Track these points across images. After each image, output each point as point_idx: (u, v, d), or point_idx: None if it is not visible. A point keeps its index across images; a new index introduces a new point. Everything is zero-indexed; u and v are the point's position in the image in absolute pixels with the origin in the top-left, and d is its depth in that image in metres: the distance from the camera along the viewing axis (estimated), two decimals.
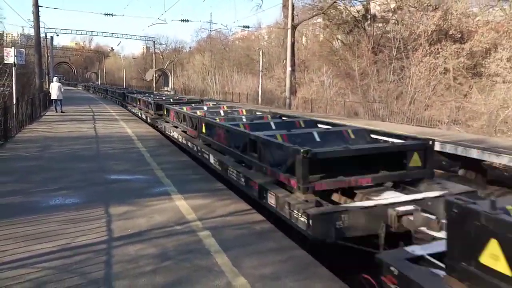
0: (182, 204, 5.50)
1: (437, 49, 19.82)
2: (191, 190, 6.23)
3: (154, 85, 57.03)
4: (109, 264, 3.69)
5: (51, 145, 10.27)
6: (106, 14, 33.50)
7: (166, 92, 44.64)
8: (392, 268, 2.78)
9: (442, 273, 2.57)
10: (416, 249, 3.03)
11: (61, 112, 19.57)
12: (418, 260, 2.88)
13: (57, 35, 50.16)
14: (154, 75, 58.50)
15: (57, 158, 8.72)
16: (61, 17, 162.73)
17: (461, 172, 11.29)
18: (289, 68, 26.23)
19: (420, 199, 4.22)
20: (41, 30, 29.02)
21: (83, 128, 13.75)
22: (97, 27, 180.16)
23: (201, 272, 3.55)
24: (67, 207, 5.38)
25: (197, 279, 3.43)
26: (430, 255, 2.85)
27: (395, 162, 4.95)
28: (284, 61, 29.87)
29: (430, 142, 5.10)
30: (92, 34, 59.34)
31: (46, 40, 45.92)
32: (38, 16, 24.01)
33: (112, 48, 74.21)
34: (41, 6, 24.41)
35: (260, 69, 32.14)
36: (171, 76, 57.60)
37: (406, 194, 4.63)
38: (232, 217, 5.00)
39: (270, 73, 35.96)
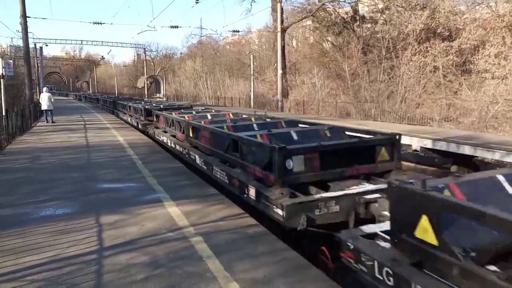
0: (174, 211, 5.46)
1: (426, 48, 19.94)
2: (184, 196, 6.19)
3: (146, 92, 56.91)
4: (100, 274, 3.65)
5: (42, 156, 10.18)
6: (95, 23, 33.26)
7: (158, 99, 44.54)
8: (348, 244, 3.06)
9: (388, 245, 2.86)
10: (371, 228, 3.29)
11: (52, 122, 19.44)
12: (372, 236, 3.11)
13: (46, 45, 50.04)
14: (146, 82, 58.38)
15: (48, 168, 8.64)
16: (50, 27, 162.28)
17: (453, 168, 11.38)
18: (280, 71, 26.29)
19: (384, 188, 4.37)
20: (30, 40, 28.85)
21: (74, 138, 13.65)
22: (86, 36, 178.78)
23: (193, 279, 3.51)
24: (57, 217, 5.31)
25: (189, 285, 3.39)
26: (382, 231, 3.08)
27: (366, 156, 5.23)
28: (275, 64, 29.93)
29: (397, 137, 5.38)
30: (82, 43, 59.35)
31: (36, 51, 45.78)
32: (26, 26, 23.88)
33: (102, 56, 73.91)
34: (29, 17, 24.30)
35: (252, 73, 32.20)
36: (163, 82, 57.48)
37: (374, 184, 4.85)
38: (225, 222, 4.97)
39: (262, 76, 36.03)
